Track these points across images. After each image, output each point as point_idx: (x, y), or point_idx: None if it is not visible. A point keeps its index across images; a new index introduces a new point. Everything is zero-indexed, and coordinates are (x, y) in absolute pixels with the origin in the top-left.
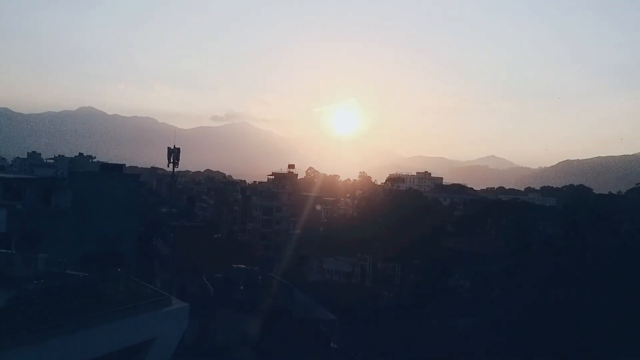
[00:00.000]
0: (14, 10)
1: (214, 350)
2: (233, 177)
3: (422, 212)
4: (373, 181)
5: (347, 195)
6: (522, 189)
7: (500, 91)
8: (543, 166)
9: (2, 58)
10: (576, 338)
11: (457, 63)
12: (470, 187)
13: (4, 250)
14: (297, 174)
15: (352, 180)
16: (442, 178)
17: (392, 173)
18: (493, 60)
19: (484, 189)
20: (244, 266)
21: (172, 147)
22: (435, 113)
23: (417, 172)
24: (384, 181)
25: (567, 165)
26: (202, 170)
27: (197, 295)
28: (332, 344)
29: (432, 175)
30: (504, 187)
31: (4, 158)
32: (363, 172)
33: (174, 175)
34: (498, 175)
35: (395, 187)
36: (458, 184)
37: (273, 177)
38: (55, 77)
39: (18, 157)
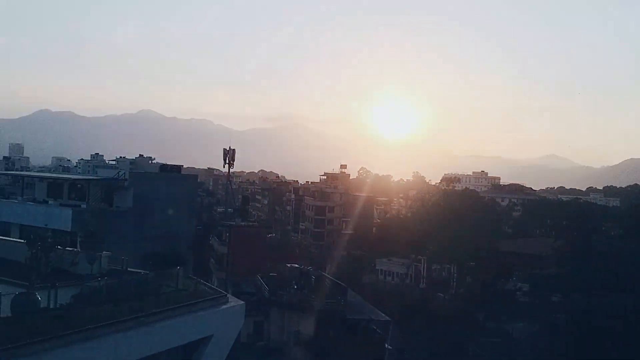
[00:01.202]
0: (78, 18)
1: (268, 349)
2: (286, 177)
3: (478, 212)
4: (427, 181)
5: (400, 195)
6: (584, 189)
7: (561, 88)
8: (606, 165)
9: (67, 64)
10: None
11: (515, 60)
12: (529, 187)
13: (70, 249)
14: (349, 174)
15: (405, 180)
16: (499, 178)
17: (447, 173)
18: (553, 57)
19: (543, 189)
20: (297, 265)
21: (228, 149)
22: (491, 111)
23: (473, 172)
24: (439, 181)
25: (631, 164)
26: (256, 171)
27: (251, 294)
28: (386, 345)
29: (489, 175)
30: (564, 187)
31: (69, 160)
32: (417, 171)
33: (229, 175)
34: (558, 174)
35: (450, 187)
36: (516, 184)
37: (325, 177)
38: (117, 81)
39: (82, 159)
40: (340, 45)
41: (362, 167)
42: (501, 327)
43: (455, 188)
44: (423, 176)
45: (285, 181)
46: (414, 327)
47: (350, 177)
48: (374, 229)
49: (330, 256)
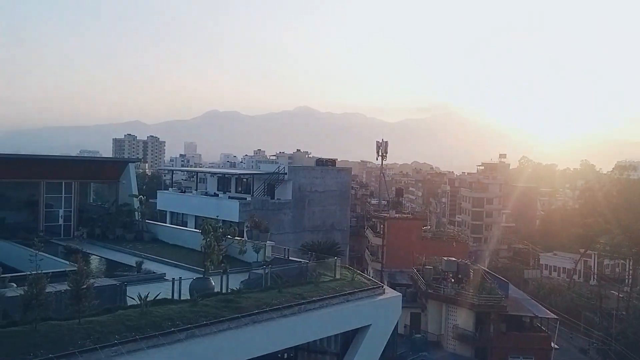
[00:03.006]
0: (239, 24)
1: (425, 341)
2: (440, 168)
3: None
4: (597, 170)
5: (567, 185)
6: None
7: None
8: None
9: (232, 68)
10: None
11: None
12: None
13: (238, 238)
14: (509, 164)
15: (571, 169)
16: None
17: (620, 160)
18: None
19: None
20: (454, 259)
21: (380, 141)
22: None
23: None
24: (611, 169)
25: None
26: (409, 163)
27: (407, 286)
28: (552, 345)
29: None
30: None
31: (234, 156)
32: (585, 159)
33: (382, 167)
34: None
35: (624, 176)
36: None
37: (482, 167)
38: (276, 81)
39: (246, 155)
40: (496, 33)
41: (523, 156)
42: None
43: (631, 177)
44: (592, 164)
45: (440, 172)
46: (584, 326)
47: (510, 167)
48: (537, 221)
49: (489, 249)
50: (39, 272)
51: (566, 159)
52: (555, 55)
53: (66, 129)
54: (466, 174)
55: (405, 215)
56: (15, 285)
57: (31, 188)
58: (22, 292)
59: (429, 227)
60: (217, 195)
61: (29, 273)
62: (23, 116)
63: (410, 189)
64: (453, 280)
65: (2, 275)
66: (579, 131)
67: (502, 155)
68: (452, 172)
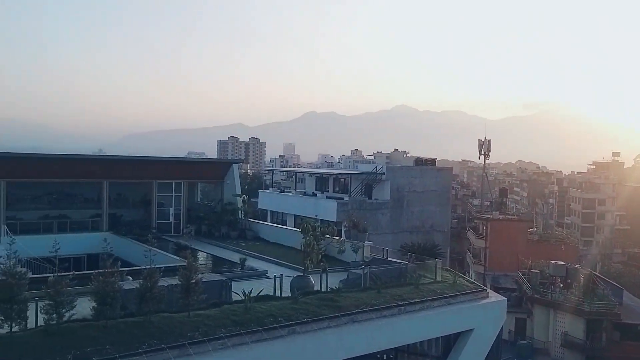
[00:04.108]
0: (337, 29)
1: (531, 348)
2: (547, 167)
3: None
4: None
5: None
6: None
7: None
8: None
9: (329, 69)
10: None
11: None
12: None
13: (337, 238)
14: (623, 163)
15: None
16: None
17: None
18: None
19: None
20: (562, 262)
21: (483, 139)
22: None
23: None
24: None
25: None
26: (514, 162)
27: (511, 290)
28: None
29: None
30: None
31: (332, 156)
32: None
33: (485, 167)
34: None
35: None
36: None
37: (594, 166)
38: (373, 80)
39: (343, 155)
40: (605, 29)
41: (639, 154)
42: None
43: None
44: None
45: (547, 172)
46: None
47: (625, 166)
48: None
49: (601, 253)
50: (153, 266)
51: None
52: None
53: (175, 131)
54: (575, 173)
55: (509, 217)
56: (131, 278)
57: (145, 188)
58: (138, 286)
59: (535, 229)
60: (315, 195)
61: (143, 267)
62: (136, 120)
63: (515, 189)
64: (562, 285)
65: (120, 269)
66: None
67: (616, 154)
68: (560, 171)
